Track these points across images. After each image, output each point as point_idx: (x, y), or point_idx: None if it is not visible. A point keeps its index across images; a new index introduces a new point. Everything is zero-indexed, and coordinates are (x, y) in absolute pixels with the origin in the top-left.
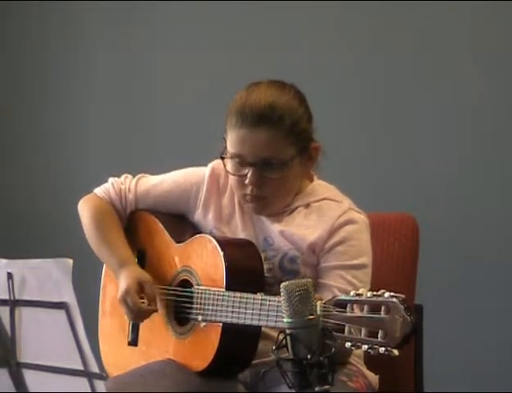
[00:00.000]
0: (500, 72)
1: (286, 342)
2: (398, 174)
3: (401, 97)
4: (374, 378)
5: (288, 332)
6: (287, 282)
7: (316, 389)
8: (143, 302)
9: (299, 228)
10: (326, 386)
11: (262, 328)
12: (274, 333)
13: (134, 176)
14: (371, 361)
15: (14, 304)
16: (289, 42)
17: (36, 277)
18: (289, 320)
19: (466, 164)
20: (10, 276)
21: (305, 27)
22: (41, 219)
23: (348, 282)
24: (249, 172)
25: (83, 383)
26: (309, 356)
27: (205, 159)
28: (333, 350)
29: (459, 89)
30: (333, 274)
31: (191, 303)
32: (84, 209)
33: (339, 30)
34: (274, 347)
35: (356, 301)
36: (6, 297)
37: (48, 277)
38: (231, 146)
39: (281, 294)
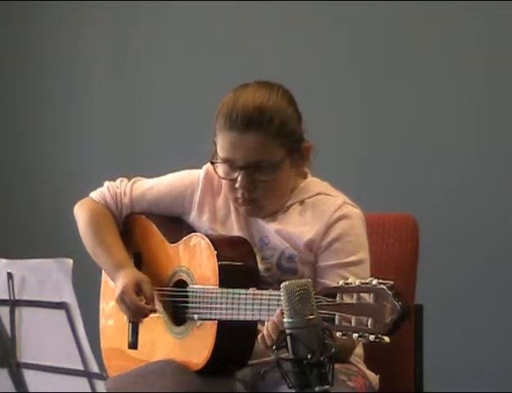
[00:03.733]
0: (500, 71)
1: (286, 342)
2: (398, 174)
3: (402, 97)
4: (374, 378)
5: (288, 331)
6: (287, 282)
7: (316, 389)
8: (141, 300)
9: (295, 226)
10: (326, 386)
11: (260, 329)
12: None
13: (130, 179)
14: (371, 361)
15: (14, 304)
16: (288, 42)
17: (36, 277)
18: (289, 320)
19: (466, 164)
20: (10, 276)
21: (304, 27)
22: (41, 219)
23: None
24: (239, 175)
25: (83, 383)
26: (309, 356)
27: (205, 160)
28: (333, 350)
29: (459, 89)
30: (332, 274)
31: (187, 302)
32: (80, 212)
33: (339, 30)
34: (274, 347)
35: (344, 290)
36: (6, 297)
37: (48, 277)
38: (221, 150)
39: (281, 294)
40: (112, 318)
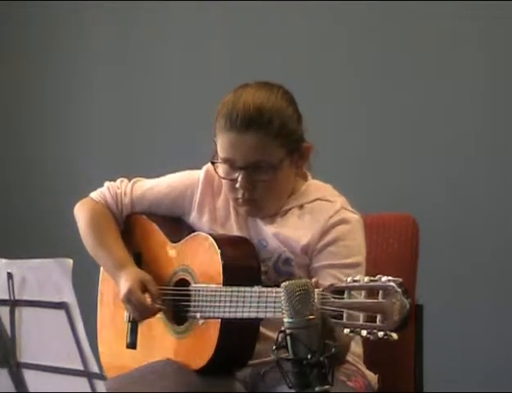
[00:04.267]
0: (500, 71)
1: (286, 342)
2: (398, 174)
3: (402, 97)
4: (373, 378)
5: (288, 332)
6: (287, 282)
7: (316, 389)
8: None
9: (293, 230)
10: (326, 386)
11: (261, 329)
12: (273, 334)
13: (130, 180)
14: (371, 361)
15: (14, 304)
16: (288, 42)
17: (36, 277)
18: (289, 320)
19: (466, 164)
20: (10, 276)
21: (304, 27)
22: (41, 218)
23: (341, 280)
24: (239, 176)
25: (83, 383)
26: (309, 356)
27: (205, 160)
28: (333, 350)
29: (459, 89)
30: (325, 274)
31: (189, 301)
32: (80, 212)
33: (340, 30)
34: (274, 347)
35: (353, 287)
36: (6, 297)
37: (48, 277)
38: (220, 150)
39: (281, 294)
40: (111, 319)
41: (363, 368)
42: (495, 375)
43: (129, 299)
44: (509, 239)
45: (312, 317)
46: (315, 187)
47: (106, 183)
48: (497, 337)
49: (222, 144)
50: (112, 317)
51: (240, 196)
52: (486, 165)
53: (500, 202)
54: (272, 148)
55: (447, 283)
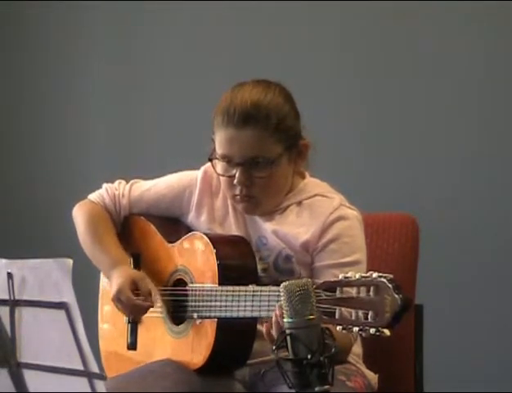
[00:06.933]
0: (500, 71)
1: (286, 342)
2: (398, 174)
3: (402, 97)
4: (373, 377)
5: (288, 332)
6: (287, 282)
7: (316, 389)
8: (138, 298)
9: (292, 227)
10: (326, 386)
11: (259, 328)
12: None
13: (128, 181)
14: (371, 360)
15: (14, 304)
16: (288, 42)
17: (36, 277)
18: (289, 320)
19: (466, 164)
20: (10, 276)
21: (304, 27)
22: (41, 219)
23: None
24: (237, 172)
25: (83, 383)
26: (309, 356)
27: (204, 161)
28: (333, 350)
29: (459, 89)
30: (328, 274)
31: (186, 301)
32: (79, 214)
33: (338, 29)
34: (274, 347)
35: (345, 284)
36: (6, 297)
37: (48, 277)
38: (218, 147)
39: (281, 294)
40: (111, 320)
41: (363, 367)
42: (495, 375)
43: (119, 298)
44: (510, 239)
45: (312, 317)
46: (312, 184)
47: (104, 185)
48: (497, 337)
49: (219, 140)
50: (112, 318)
51: (237, 192)
52: (486, 165)
53: (500, 202)
54: (270, 144)
55: (447, 283)
